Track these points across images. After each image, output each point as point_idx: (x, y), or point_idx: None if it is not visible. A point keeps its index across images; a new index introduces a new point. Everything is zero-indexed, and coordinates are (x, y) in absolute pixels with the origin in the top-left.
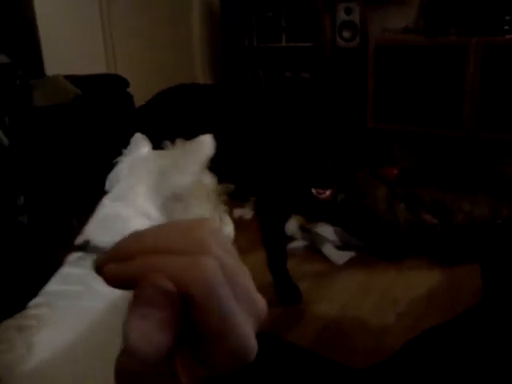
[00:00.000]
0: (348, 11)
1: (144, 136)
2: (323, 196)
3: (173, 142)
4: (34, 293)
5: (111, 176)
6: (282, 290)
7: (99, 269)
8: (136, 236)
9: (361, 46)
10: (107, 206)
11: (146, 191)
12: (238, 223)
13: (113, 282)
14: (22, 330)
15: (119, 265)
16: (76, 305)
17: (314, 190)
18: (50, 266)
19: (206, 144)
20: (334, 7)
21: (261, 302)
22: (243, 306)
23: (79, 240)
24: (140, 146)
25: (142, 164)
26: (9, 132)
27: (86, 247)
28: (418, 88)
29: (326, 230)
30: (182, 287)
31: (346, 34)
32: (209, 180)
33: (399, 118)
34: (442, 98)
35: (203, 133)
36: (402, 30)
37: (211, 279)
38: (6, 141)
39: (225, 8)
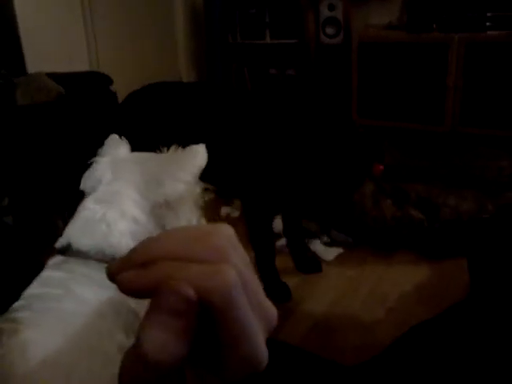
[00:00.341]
0: (331, 7)
1: (120, 137)
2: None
3: (152, 143)
4: (18, 295)
5: (87, 175)
6: (271, 289)
7: (112, 276)
8: (152, 242)
9: (345, 42)
10: (90, 209)
11: (135, 196)
12: (225, 221)
13: (130, 289)
14: (2, 333)
15: (136, 272)
16: (56, 307)
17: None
18: (34, 268)
19: (199, 154)
20: (318, 3)
21: (272, 309)
22: (256, 313)
23: (60, 243)
24: (117, 147)
25: (126, 166)
26: None
27: (67, 250)
28: (402, 84)
29: (314, 227)
30: (202, 295)
31: (329, 31)
32: (199, 189)
33: (384, 114)
34: (425, 93)
35: (185, 133)
36: (385, 26)
37: (232, 288)
38: None
39: (208, 4)
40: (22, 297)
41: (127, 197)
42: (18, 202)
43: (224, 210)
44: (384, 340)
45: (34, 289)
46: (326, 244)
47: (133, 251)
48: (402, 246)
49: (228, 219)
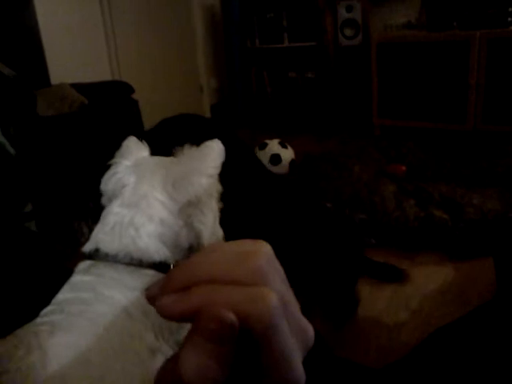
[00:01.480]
0: (349, 9)
1: (138, 139)
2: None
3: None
4: (46, 300)
5: (108, 177)
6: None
7: (152, 300)
8: (191, 265)
9: (363, 43)
10: (117, 213)
11: (162, 198)
12: None
13: (171, 315)
14: (37, 336)
15: (177, 297)
16: (87, 310)
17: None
18: (59, 274)
19: (216, 148)
20: (335, 5)
21: (310, 329)
22: (295, 335)
23: (88, 248)
24: (138, 149)
25: (149, 168)
26: (14, 142)
27: (95, 255)
28: (423, 83)
29: None
30: (244, 320)
31: (348, 32)
32: (219, 184)
33: (405, 114)
34: (446, 92)
35: None
36: (404, 26)
37: (274, 314)
38: (12, 150)
39: (226, 10)
40: (53, 302)
41: (154, 199)
42: (42, 207)
43: None
44: (408, 342)
45: (64, 294)
46: None
47: (172, 274)
48: (426, 247)
49: None
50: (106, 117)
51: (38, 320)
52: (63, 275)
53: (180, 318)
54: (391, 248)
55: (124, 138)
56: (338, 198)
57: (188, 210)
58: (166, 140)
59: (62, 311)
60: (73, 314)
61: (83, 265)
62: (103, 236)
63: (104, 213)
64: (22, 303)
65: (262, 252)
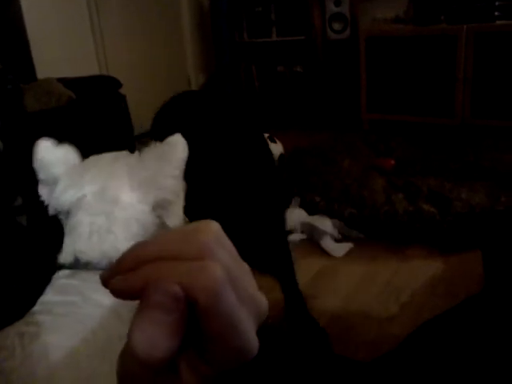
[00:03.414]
0: (337, 3)
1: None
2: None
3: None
4: (33, 297)
5: (60, 193)
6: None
7: (105, 283)
8: (139, 246)
9: (352, 37)
10: (90, 224)
11: (133, 200)
12: None
13: (120, 293)
14: (21, 337)
15: (125, 276)
16: (75, 312)
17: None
18: (49, 269)
19: (179, 145)
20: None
21: (262, 301)
22: (245, 306)
23: (64, 259)
24: (63, 154)
25: (110, 173)
26: (2, 135)
27: (74, 265)
28: (411, 77)
29: (325, 223)
30: (188, 291)
31: (336, 26)
32: (184, 183)
33: (394, 109)
34: (434, 86)
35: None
36: (392, 20)
37: (216, 284)
38: (0, 144)
39: (214, 4)
40: (39, 302)
41: (126, 202)
42: (31, 201)
43: None
44: (399, 335)
45: (50, 296)
46: (337, 240)
47: (122, 257)
48: (415, 241)
49: None
50: (94, 111)
51: (24, 320)
52: (51, 271)
53: (129, 296)
54: (380, 242)
55: (112, 132)
56: (327, 193)
57: (158, 210)
58: (177, 118)
59: (50, 312)
60: (60, 315)
61: (64, 272)
62: (81, 247)
63: (71, 224)
64: (11, 298)
65: (207, 229)
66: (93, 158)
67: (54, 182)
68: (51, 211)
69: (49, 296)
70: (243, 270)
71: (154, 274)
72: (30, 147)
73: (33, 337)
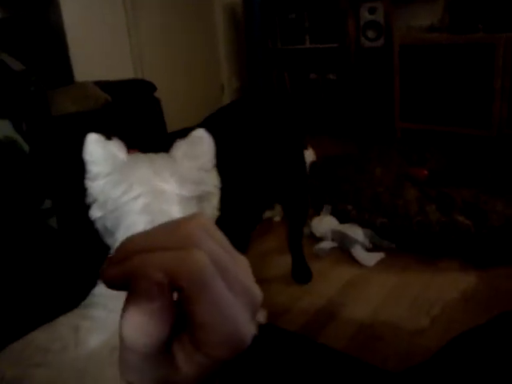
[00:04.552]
0: (372, 11)
1: (99, 136)
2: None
3: None
4: (68, 296)
5: (109, 187)
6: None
7: (101, 274)
8: (131, 239)
9: (386, 45)
10: (146, 222)
11: (181, 198)
12: (267, 225)
13: (110, 283)
14: (76, 330)
15: (114, 267)
16: None
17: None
18: (82, 270)
19: (205, 140)
20: (358, 7)
21: (256, 290)
22: (238, 295)
23: None
24: (116, 150)
25: (157, 171)
26: (28, 138)
27: None
28: (446, 87)
29: (356, 232)
30: (172, 279)
31: (370, 34)
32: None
33: (427, 118)
34: (470, 96)
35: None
36: (427, 28)
37: (200, 271)
38: (26, 147)
39: (248, 11)
40: (92, 294)
41: (177, 200)
42: (62, 204)
43: (267, 214)
44: (428, 348)
45: (103, 288)
46: (368, 250)
47: (116, 249)
48: (448, 253)
49: (271, 222)
50: (129, 114)
51: (79, 312)
52: (84, 272)
53: (118, 286)
54: (412, 253)
55: (147, 135)
56: (359, 201)
57: (201, 203)
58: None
59: (105, 307)
60: (115, 312)
61: None
62: None
63: (125, 224)
64: (45, 299)
65: (194, 220)
66: (135, 156)
67: (103, 176)
68: (95, 209)
69: (101, 288)
70: (236, 261)
71: (139, 263)
72: (56, 149)
73: (87, 331)
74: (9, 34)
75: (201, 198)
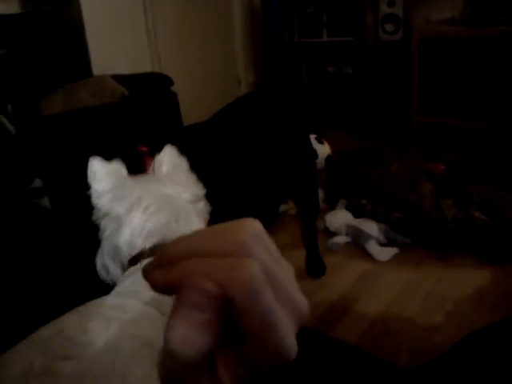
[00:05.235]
0: (391, 4)
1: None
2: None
3: None
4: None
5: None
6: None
7: (146, 274)
8: (179, 242)
9: (404, 38)
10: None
11: (184, 201)
12: (282, 219)
13: (158, 287)
14: (108, 322)
15: (164, 271)
16: (161, 301)
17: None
18: (80, 249)
19: (173, 153)
20: (377, 0)
21: (302, 302)
22: (284, 306)
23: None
24: (116, 171)
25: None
26: (13, 120)
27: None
28: (465, 81)
29: (371, 227)
30: (223, 289)
31: (388, 27)
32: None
33: (445, 112)
34: (489, 90)
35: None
36: (447, 21)
37: (252, 282)
38: (11, 128)
39: (266, 4)
40: (125, 279)
41: (181, 203)
42: (55, 184)
43: (281, 208)
44: (441, 344)
45: (138, 275)
46: (382, 244)
47: (163, 251)
48: (463, 249)
49: (285, 216)
50: (146, 108)
51: (111, 299)
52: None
53: (166, 291)
54: (427, 248)
55: (163, 127)
56: (374, 196)
57: (195, 207)
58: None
59: (139, 297)
60: (148, 304)
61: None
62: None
63: (127, 221)
64: (35, 282)
65: (246, 227)
66: (134, 179)
67: (108, 191)
68: (98, 216)
69: (136, 275)
70: (283, 269)
71: (190, 270)
72: (43, 131)
73: (118, 323)
74: (29, 28)
75: (195, 202)
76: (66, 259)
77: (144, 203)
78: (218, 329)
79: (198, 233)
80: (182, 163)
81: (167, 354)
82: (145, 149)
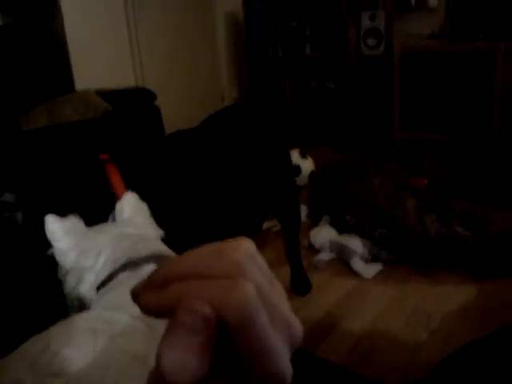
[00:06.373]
0: (372, 18)
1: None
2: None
3: None
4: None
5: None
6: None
7: (135, 297)
8: (171, 262)
9: (386, 53)
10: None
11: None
12: (266, 236)
13: (150, 310)
14: (95, 334)
15: (156, 293)
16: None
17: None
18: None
19: (133, 200)
20: (359, 14)
21: (297, 324)
22: (279, 329)
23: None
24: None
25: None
26: None
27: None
28: (446, 95)
29: (355, 243)
30: (218, 311)
31: (370, 42)
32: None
33: (427, 127)
34: (470, 105)
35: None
36: (428, 36)
37: (247, 304)
38: None
39: (249, 19)
40: (110, 293)
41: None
42: (30, 199)
43: (265, 225)
44: (428, 361)
45: (123, 288)
46: (367, 260)
47: (154, 273)
48: (447, 264)
49: (269, 233)
50: (129, 123)
51: (97, 313)
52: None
53: (158, 314)
54: (411, 264)
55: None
56: (358, 211)
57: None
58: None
59: (125, 310)
60: (135, 317)
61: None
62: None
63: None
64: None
65: (240, 247)
66: (93, 229)
67: (69, 249)
68: (63, 273)
69: (121, 289)
70: (276, 290)
71: (184, 292)
72: (23, 145)
73: (106, 336)
74: (10, 41)
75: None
76: (34, 273)
77: (107, 247)
78: (211, 353)
79: (190, 253)
80: (143, 208)
81: (158, 377)
82: (106, 156)
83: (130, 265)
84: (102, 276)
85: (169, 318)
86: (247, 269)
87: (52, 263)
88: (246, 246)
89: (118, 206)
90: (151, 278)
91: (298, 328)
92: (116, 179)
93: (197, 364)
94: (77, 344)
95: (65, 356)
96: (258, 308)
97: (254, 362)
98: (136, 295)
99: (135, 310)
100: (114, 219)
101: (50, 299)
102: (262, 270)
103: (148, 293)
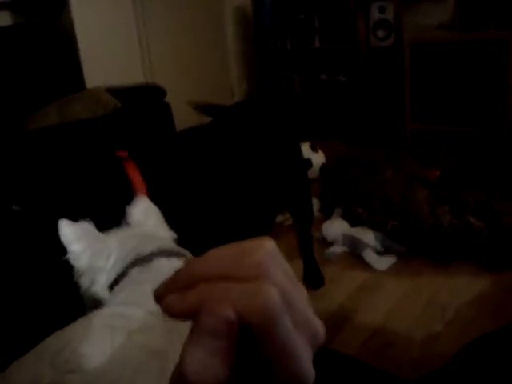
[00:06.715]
0: (382, 10)
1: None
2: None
3: None
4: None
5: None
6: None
7: (158, 299)
8: (194, 263)
9: (396, 44)
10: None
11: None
12: (278, 230)
13: (173, 312)
14: (113, 331)
15: (179, 295)
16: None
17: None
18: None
19: (145, 204)
20: (368, 6)
21: (319, 326)
22: (301, 330)
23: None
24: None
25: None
26: None
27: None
28: (457, 86)
29: (367, 236)
30: (242, 315)
31: (380, 33)
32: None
33: (439, 118)
34: (482, 95)
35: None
36: (437, 27)
37: (271, 308)
38: None
39: (257, 12)
40: (125, 289)
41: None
42: (31, 208)
43: (277, 219)
44: (442, 353)
45: (139, 284)
46: (379, 253)
47: (177, 273)
48: (460, 256)
49: (282, 227)
50: (139, 119)
51: (114, 309)
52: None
53: (182, 316)
54: (424, 256)
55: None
56: (370, 204)
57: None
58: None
59: (141, 305)
60: (151, 313)
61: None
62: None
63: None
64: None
65: (262, 247)
66: (104, 233)
67: (82, 251)
68: (77, 273)
69: (137, 284)
70: (299, 291)
71: (208, 295)
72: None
73: (123, 333)
74: (21, 40)
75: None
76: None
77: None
78: (234, 357)
79: (212, 253)
80: (154, 211)
81: (181, 378)
82: (124, 154)
83: (140, 261)
84: (114, 275)
85: (193, 320)
86: (270, 270)
87: (69, 266)
88: (268, 246)
89: (130, 209)
90: (174, 278)
91: (320, 328)
92: (136, 177)
93: (219, 367)
94: (95, 341)
95: (83, 353)
96: (281, 312)
97: (277, 365)
98: (159, 297)
99: (151, 305)
100: (126, 223)
101: (69, 298)
102: (284, 271)
103: (171, 295)
